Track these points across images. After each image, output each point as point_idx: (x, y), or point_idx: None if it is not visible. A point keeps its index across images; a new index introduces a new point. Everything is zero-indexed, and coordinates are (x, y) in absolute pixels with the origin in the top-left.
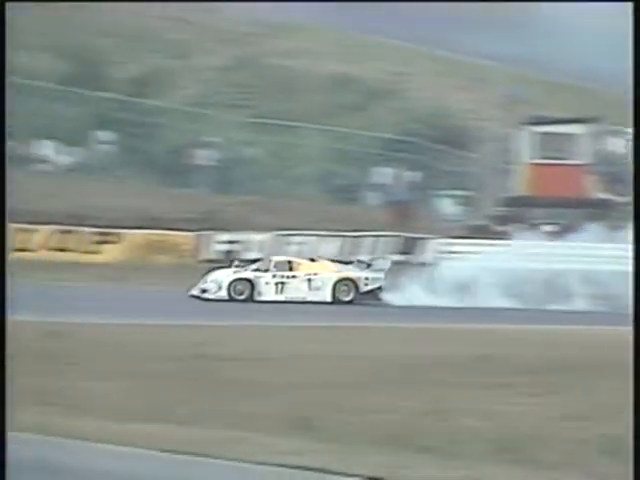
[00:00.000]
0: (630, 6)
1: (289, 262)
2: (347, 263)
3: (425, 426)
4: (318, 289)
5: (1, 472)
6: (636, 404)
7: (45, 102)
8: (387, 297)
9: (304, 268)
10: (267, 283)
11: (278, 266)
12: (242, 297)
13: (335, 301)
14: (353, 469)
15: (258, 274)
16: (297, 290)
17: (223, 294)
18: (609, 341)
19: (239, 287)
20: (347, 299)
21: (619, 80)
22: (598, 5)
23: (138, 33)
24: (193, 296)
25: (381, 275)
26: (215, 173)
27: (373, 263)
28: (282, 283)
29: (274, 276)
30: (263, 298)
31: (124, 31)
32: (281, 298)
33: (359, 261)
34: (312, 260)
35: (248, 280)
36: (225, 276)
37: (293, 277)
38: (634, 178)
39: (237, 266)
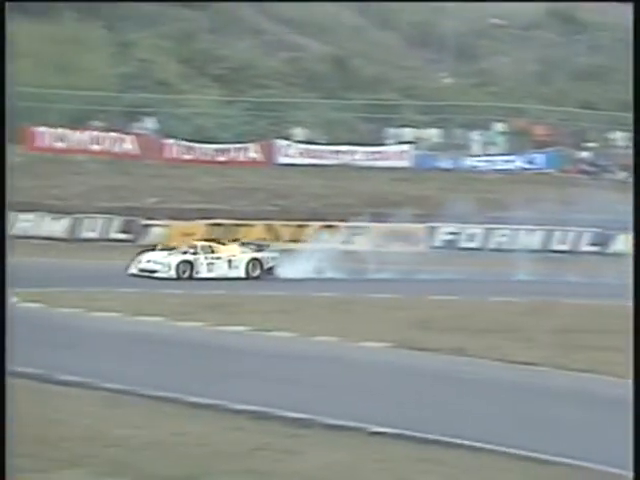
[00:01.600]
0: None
1: (210, 246)
2: (248, 244)
3: None
4: (237, 268)
5: (1, 471)
6: (636, 403)
7: None
8: (279, 272)
9: (220, 251)
10: (201, 264)
11: (204, 249)
12: (185, 276)
13: (248, 277)
14: None
15: (195, 256)
16: (221, 269)
17: (172, 274)
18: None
19: (182, 267)
20: (255, 275)
21: None
22: None
23: None
24: (135, 275)
25: (277, 255)
26: None
27: (270, 245)
28: (212, 264)
29: (206, 258)
30: (200, 276)
31: None
32: (212, 275)
33: (259, 244)
34: (223, 244)
35: (189, 262)
36: (166, 258)
37: (218, 258)
38: (634, 177)
39: (163, 249)
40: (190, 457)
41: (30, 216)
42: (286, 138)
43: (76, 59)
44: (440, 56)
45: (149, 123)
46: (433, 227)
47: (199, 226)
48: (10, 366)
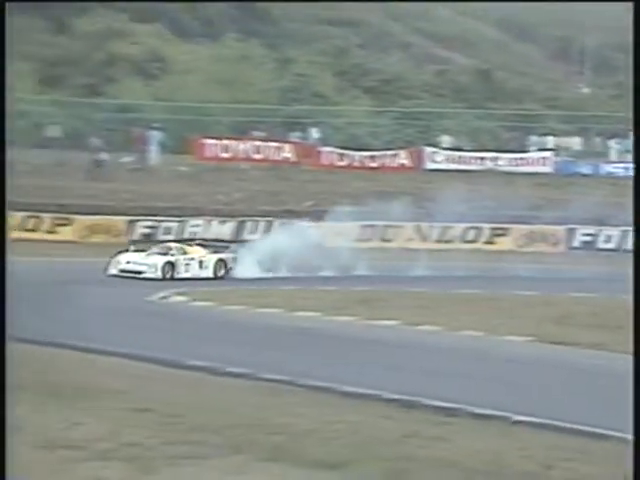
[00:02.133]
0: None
1: (182, 247)
2: (209, 246)
3: None
4: (207, 268)
5: (1, 469)
6: (636, 404)
7: None
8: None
9: (191, 252)
10: (181, 264)
11: (178, 250)
12: (168, 276)
13: (215, 277)
14: None
15: (175, 257)
16: (194, 269)
17: (159, 274)
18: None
19: (167, 268)
20: (220, 275)
21: None
22: None
23: None
24: (116, 275)
25: (235, 255)
26: None
27: (230, 246)
28: (187, 264)
29: (184, 259)
30: (179, 276)
31: None
32: (188, 275)
33: (218, 246)
34: (190, 245)
35: (172, 263)
36: (150, 259)
37: (192, 259)
38: (634, 178)
39: (136, 250)
40: (345, 444)
41: (199, 221)
42: (433, 145)
43: (239, 75)
44: (580, 68)
45: (306, 132)
46: (572, 229)
47: (352, 227)
48: (177, 357)
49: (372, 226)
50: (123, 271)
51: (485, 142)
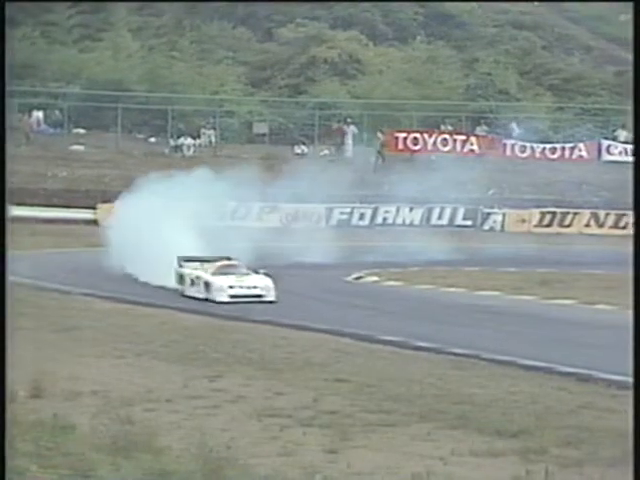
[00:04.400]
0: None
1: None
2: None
3: None
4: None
5: (1, 469)
6: (636, 404)
7: None
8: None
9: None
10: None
11: (246, 269)
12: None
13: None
14: None
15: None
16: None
17: (273, 295)
18: None
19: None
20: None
21: None
22: None
23: None
24: (229, 302)
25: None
26: None
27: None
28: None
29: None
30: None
31: None
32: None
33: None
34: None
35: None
36: (259, 280)
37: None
38: (634, 177)
39: (218, 273)
40: (524, 413)
41: (391, 207)
42: (611, 139)
43: (428, 75)
44: None
45: (492, 127)
46: None
47: (533, 213)
48: (372, 333)
49: (552, 213)
50: (236, 296)
51: None
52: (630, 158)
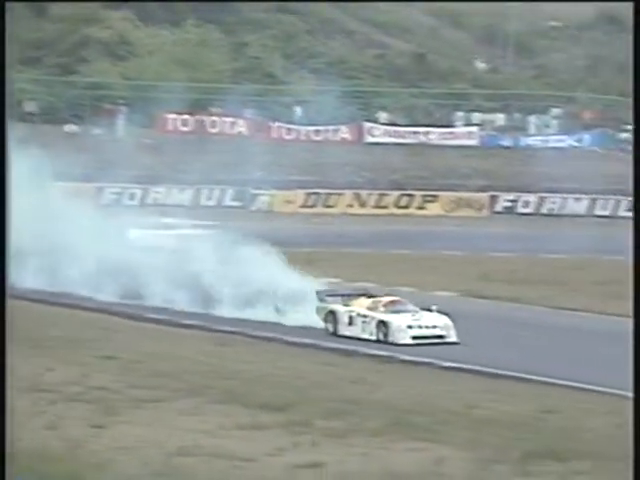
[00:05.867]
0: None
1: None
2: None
3: None
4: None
5: (1, 469)
6: (636, 404)
7: None
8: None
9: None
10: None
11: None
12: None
13: None
14: None
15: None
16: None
17: (453, 334)
18: None
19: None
20: None
21: None
22: None
23: None
24: (413, 345)
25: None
26: None
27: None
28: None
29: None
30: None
31: None
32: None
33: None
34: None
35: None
36: (435, 318)
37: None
38: (634, 177)
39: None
40: (290, 388)
41: (162, 188)
42: (373, 121)
43: (198, 57)
44: (504, 52)
45: (258, 109)
46: (495, 195)
47: (298, 194)
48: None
49: (316, 194)
50: (418, 338)
51: (418, 118)
52: (391, 140)
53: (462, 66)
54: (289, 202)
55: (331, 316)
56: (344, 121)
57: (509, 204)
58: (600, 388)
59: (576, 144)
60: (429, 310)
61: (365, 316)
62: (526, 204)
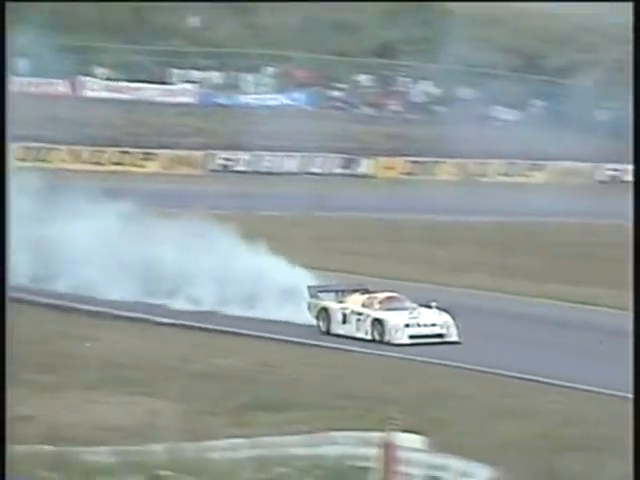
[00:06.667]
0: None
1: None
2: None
3: None
4: None
5: (1, 469)
6: (636, 404)
7: None
8: None
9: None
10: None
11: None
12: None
13: None
14: None
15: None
16: None
17: (454, 333)
18: None
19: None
20: None
21: None
22: None
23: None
24: (410, 344)
25: None
26: None
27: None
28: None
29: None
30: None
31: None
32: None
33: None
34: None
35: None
36: (435, 316)
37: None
38: (634, 170)
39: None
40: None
41: None
42: (91, 76)
43: None
44: (221, 10)
45: None
46: (212, 154)
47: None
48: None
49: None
50: (416, 337)
51: (137, 75)
52: (110, 95)
53: (177, 22)
54: None
55: (324, 313)
56: (61, 75)
57: (225, 162)
58: (314, 342)
59: (290, 102)
60: (428, 307)
61: (360, 313)
62: (242, 162)
